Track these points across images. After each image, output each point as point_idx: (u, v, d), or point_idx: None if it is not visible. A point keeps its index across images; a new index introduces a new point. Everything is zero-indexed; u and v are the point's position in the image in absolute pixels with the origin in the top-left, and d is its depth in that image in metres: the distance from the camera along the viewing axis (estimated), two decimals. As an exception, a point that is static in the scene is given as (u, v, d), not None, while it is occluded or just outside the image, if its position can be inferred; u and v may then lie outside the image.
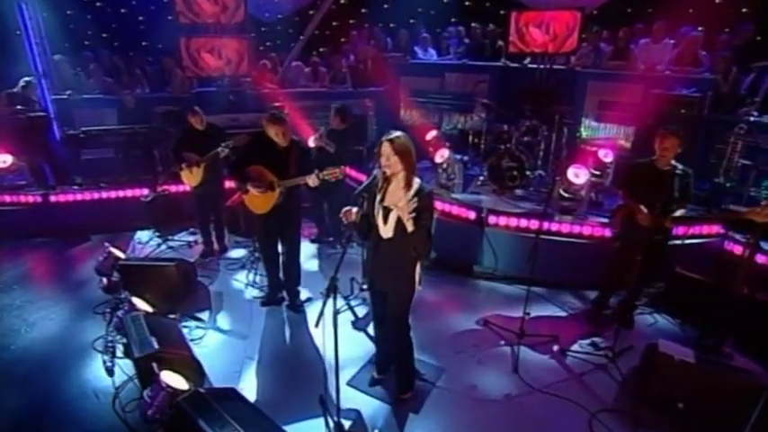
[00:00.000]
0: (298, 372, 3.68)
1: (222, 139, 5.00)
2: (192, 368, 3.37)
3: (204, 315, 4.43)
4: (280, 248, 4.40)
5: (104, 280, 4.77)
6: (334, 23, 9.87)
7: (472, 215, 5.13)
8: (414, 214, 2.69)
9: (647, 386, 3.30)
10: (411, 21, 9.11)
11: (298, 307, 4.53)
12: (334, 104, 5.60)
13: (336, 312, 2.69)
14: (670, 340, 3.48)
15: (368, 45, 8.33)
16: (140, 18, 9.92)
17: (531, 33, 6.98)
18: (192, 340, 4.01)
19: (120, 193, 6.26)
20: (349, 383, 3.53)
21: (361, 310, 4.46)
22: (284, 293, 4.63)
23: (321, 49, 9.34)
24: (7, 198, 6.10)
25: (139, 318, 3.57)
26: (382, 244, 2.94)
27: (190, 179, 5.20)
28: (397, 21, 9.18)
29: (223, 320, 4.39)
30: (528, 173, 5.94)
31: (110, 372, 3.61)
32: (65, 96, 7.06)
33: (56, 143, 6.69)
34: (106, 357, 3.73)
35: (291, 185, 3.93)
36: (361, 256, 3.99)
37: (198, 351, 3.86)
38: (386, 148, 2.78)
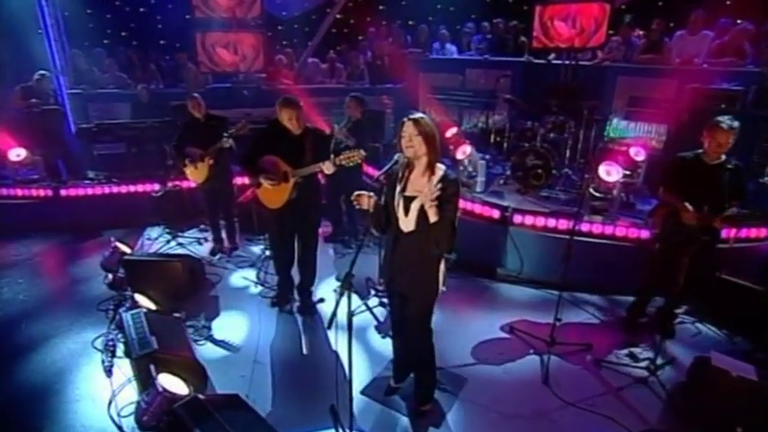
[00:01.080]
0: (307, 378, 3.38)
1: (224, 129, 4.71)
2: (194, 371, 3.09)
3: (211, 314, 4.16)
4: (295, 248, 4.10)
5: (110, 276, 4.55)
6: (351, 21, 9.64)
7: (496, 214, 4.78)
8: (436, 203, 2.38)
9: (697, 405, 2.92)
10: (430, 18, 8.83)
11: (310, 308, 4.22)
12: (350, 94, 5.32)
13: (351, 314, 2.37)
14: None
15: (386, 41, 8.05)
16: (158, 17, 9.84)
17: (556, 27, 6.63)
18: (196, 341, 3.75)
19: (131, 188, 6.07)
20: (363, 392, 3.21)
21: (380, 313, 4.15)
22: (295, 294, 4.34)
23: (338, 48, 9.11)
24: (19, 191, 5.96)
25: (140, 315, 3.30)
26: (402, 238, 2.62)
27: (195, 175, 4.94)
28: (416, 18, 8.91)
29: (230, 321, 4.11)
30: (554, 171, 5.57)
31: (108, 372, 3.34)
32: (79, 91, 6.93)
33: (69, 136, 6.54)
34: (105, 357, 3.47)
35: (306, 174, 3.63)
36: (379, 254, 3.69)
37: (202, 353, 3.60)
38: (408, 127, 2.48)
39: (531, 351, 3.63)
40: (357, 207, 2.61)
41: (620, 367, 3.44)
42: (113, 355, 3.49)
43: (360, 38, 9.25)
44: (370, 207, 2.59)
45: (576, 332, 3.82)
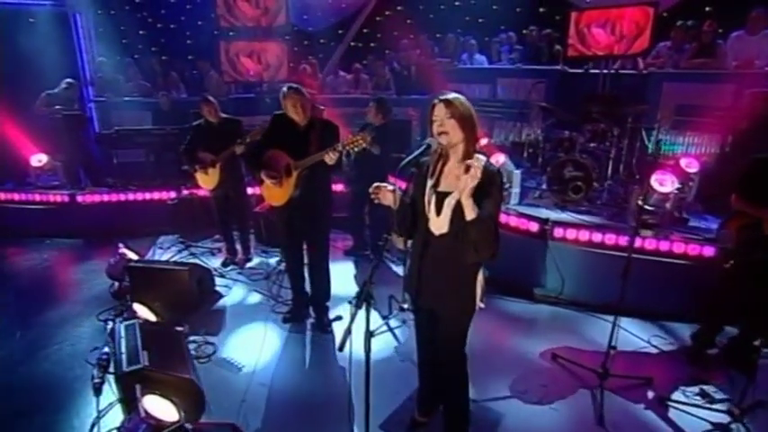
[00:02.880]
0: (318, 408, 2.90)
1: (239, 134, 4.36)
2: (189, 394, 2.64)
3: (216, 329, 3.76)
4: (306, 257, 3.71)
5: (116, 284, 4.22)
6: (378, 35, 9.42)
7: (534, 227, 4.26)
8: (471, 192, 1.92)
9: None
10: (458, 30, 8.52)
11: (325, 326, 3.77)
12: (373, 97, 4.96)
13: (370, 334, 1.91)
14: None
15: (414, 52, 7.74)
16: (188, 32, 9.88)
17: (593, 35, 6.17)
18: (197, 358, 3.32)
19: (147, 196, 5.82)
20: (382, 427, 2.70)
21: (402, 334, 3.65)
22: (311, 310, 3.90)
23: (365, 62, 8.88)
24: (37, 196, 5.80)
25: (134, 327, 2.90)
26: (433, 243, 2.16)
27: (206, 182, 4.62)
28: (444, 31, 8.60)
29: (237, 337, 3.69)
30: (595, 184, 5.02)
31: (97, 390, 2.93)
32: (103, 99, 6.83)
33: (91, 143, 6.39)
34: (96, 372, 3.07)
35: (310, 165, 3.26)
36: (404, 268, 3.23)
37: (202, 373, 3.16)
38: (439, 110, 2.05)
39: (580, 384, 3.06)
40: (376, 202, 2.16)
41: (691, 408, 2.83)
42: (106, 370, 3.07)
43: (387, 51, 9.01)
44: (393, 203, 2.15)
45: (632, 363, 3.23)
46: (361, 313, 1.85)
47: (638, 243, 3.88)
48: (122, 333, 2.83)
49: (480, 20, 8.49)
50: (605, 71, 6.13)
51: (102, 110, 6.85)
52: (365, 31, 9.45)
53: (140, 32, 9.16)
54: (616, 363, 3.00)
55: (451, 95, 2.08)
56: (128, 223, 5.72)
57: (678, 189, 4.21)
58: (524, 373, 3.21)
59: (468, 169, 1.89)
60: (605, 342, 2.95)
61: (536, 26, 7.11)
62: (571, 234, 4.10)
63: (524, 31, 7.36)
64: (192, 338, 3.55)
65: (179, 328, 3.50)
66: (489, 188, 2.03)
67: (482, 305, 2.24)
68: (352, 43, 9.41)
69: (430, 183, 2.17)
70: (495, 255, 2.08)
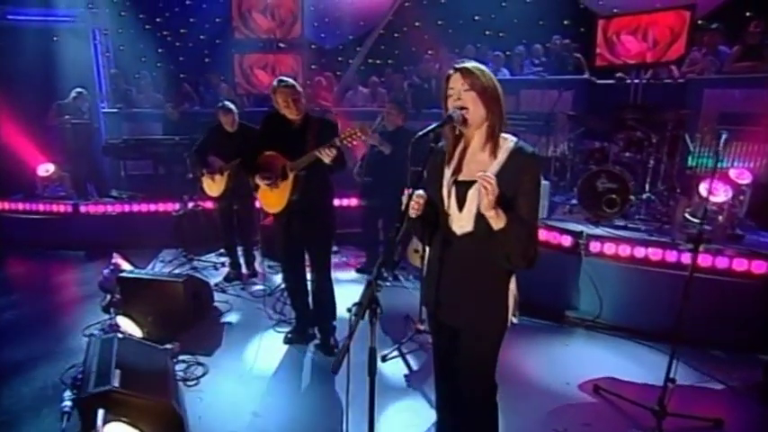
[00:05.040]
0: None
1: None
2: (165, 422, 2.26)
3: (211, 348, 3.39)
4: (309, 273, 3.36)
5: (107, 297, 3.90)
6: (396, 51, 9.26)
7: (566, 241, 3.82)
8: (496, 192, 1.51)
9: None
10: (477, 45, 8.29)
11: (331, 348, 3.35)
12: (390, 100, 4.66)
13: (374, 356, 1.49)
14: None
15: (433, 65, 7.50)
16: (206, 51, 9.94)
17: (623, 42, 5.80)
18: (184, 380, 2.94)
19: (152, 208, 5.58)
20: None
21: (415, 360, 3.22)
22: (315, 329, 3.50)
23: (382, 79, 8.71)
24: (41, 206, 5.63)
25: (112, 342, 2.55)
26: (455, 245, 1.77)
27: (211, 188, 4.38)
28: (462, 46, 8.39)
29: (233, 358, 3.30)
30: (631, 197, 4.56)
31: (65, 415, 2.56)
32: (115, 110, 6.74)
33: (98, 153, 6.24)
34: (69, 394, 2.71)
35: (306, 164, 2.94)
36: (421, 287, 2.83)
37: (188, 397, 2.78)
38: (456, 81, 1.68)
39: (632, 423, 2.55)
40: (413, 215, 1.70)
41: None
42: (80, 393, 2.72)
43: (405, 68, 8.83)
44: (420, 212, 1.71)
45: (693, 400, 2.71)
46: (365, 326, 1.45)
47: (687, 259, 3.41)
48: (97, 349, 2.48)
49: (501, 34, 8.26)
50: (636, 81, 5.75)
51: (114, 121, 6.74)
52: (382, 47, 9.31)
53: (159, 50, 9.26)
54: (673, 399, 2.50)
55: (470, 63, 1.71)
56: (131, 235, 5.46)
57: (732, 198, 3.74)
58: (562, 408, 2.72)
59: (485, 182, 1.49)
60: (655, 373, 2.50)
61: (559, 36, 6.81)
62: (609, 249, 3.64)
63: (548, 45, 7.09)
64: (181, 358, 3.18)
65: (168, 346, 3.15)
66: (522, 178, 1.64)
67: (515, 320, 1.82)
68: (370, 60, 9.28)
69: (449, 171, 1.79)
70: (533, 263, 1.68)
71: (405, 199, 1.66)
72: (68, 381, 2.87)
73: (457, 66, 1.70)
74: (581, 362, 3.23)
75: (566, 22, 7.58)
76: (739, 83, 4.98)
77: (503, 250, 1.64)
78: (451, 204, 1.76)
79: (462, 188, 1.73)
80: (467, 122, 1.68)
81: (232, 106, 4.41)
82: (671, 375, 2.41)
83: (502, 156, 1.70)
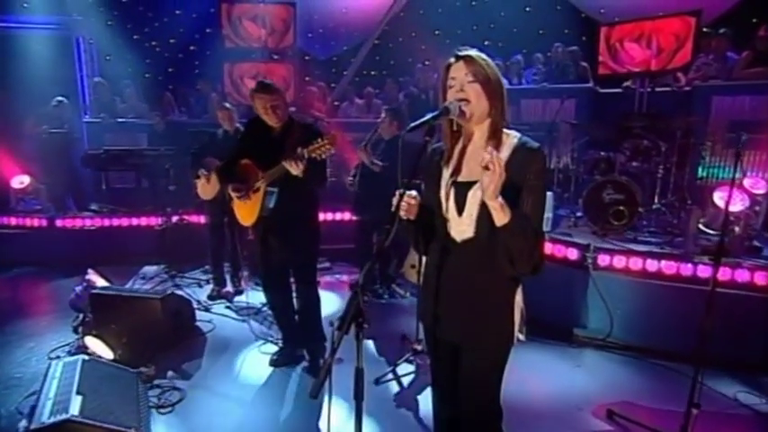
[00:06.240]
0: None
1: None
2: (130, 455, 2.07)
3: (190, 372, 3.20)
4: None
5: (80, 316, 3.72)
6: (392, 62, 9.26)
7: (572, 254, 3.69)
8: (498, 201, 1.41)
9: None
10: (477, 55, 8.28)
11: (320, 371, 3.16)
12: (387, 107, 4.59)
13: (361, 379, 1.34)
14: None
15: (431, 76, 7.46)
16: (196, 62, 9.93)
17: (627, 50, 5.77)
18: (158, 408, 2.74)
19: (133, 222, 5.43)
20: None
21: (416, 386, 3.03)
22: (304, 351, 3.32)
23: (377, 91, 8.68)
24: (13, 220, 5.45)
25: (75, 365, 2.37)
26: (455, 253, 1.63)
27: (205, 190, 4.26)
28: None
29: (213, 382, 3.11)
30: (640, 209, 4.43)
31: (18, 450, 2.36)
32: (98, 120, 6.62)
33: (78, 164, 6.10)
34: (23, 425, 2.51)
35: (276, 176, 2.80)
36: (418, 303, 2.68)
37: (161, 426, 2.58)
38: (458, 70, 1.57)
39: (651, 453, 2.38)
40: (405, 217, 1.58)
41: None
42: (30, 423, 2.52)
43: (401, 79, 8.81)
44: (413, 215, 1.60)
45: (719, 427, 2.54)
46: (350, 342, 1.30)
47: (704, 273, 3.27)
48: (57, 373, 2.30)
49: (500, 44, 8.26)
50: (641, 89, 5.70)
51: (96, 131, 6.62)
52: (378, 58, 9.31)
53: (147, 61, 9.22)
54: (698, 426, 2.32)
55: (473, 51, 1.60)
56: (111, 251, 5.28)
57: (749, 208, 3.62)
58: (574, 435, 2.54)
59: (487, 166, 1.37)
60: (675, 397, 2.33)
61: (561, 43, 6.80)
62: (619, 262, 3.50)
63: (548, 53, 7.07)
64: (156, 382, 2.99)
65: (143, 369, 2.98)
66: (527, 174, 1.53)
67: (522, 337, 1.67)
68: (365, 71, 9.27)
69: (447, 171, 1.67)
70: (539, 269, 1.54)
71: (395, 199, 1.52)
72: (26, 410, 2.68)
73: (459, 53, 1.59)
74: (593, 385, 3.06)
75: (566, 31, 7.58)
76: (749, 89, 4.92)
77: (506, 252, 1.50)
78: (450, 207, 1.63)
79: (462, 189, 1.61)
80: (464, 116, 1.56)
81: (229, 105, 4.46)
82: (695, 400, 2.25)
83: (505, 152, 1.59)
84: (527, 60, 7.22)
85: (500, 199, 1.41)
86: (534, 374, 3.16)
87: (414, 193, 1.56)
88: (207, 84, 7.21)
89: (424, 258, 1.84)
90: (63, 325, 3.83)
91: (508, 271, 1.56)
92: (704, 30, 5.79)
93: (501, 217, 1.45)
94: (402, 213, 1.54)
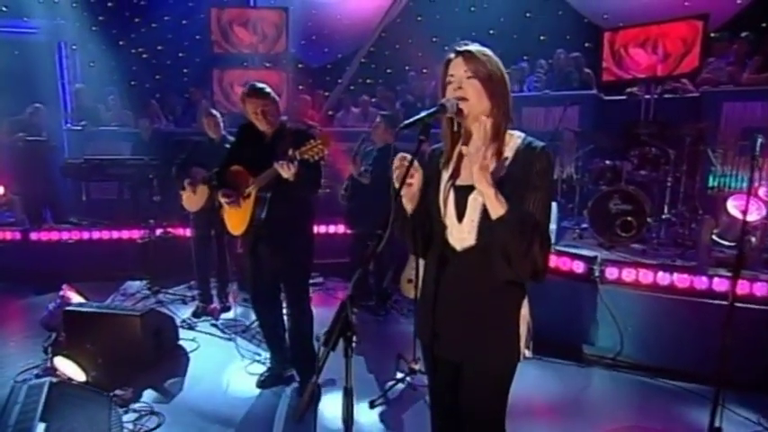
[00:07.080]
0: None
1: None
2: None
3: (170, 394, 3.08)
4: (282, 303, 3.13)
5: (52, 336, 3.59)
6: (388, 70, 9.28)
7: (579, 267, 3.61)
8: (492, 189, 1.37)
9: None
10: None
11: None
12: (381, 113, 4.55)
13: (350, 399, 1.24)
14: None
15: (428, 83, 7.48)
16: (185, 70, 9.93)
17: (632, 55, 5.78)
18: (133, 435, 2.62)
19: (114, 235, 5.33)
20: None
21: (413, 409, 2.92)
22: (294, 371, 3.22)
23: (374, 99, 8.68)
24: (-17, 234, 5.33)
25: (41, 388, 2.25)
26: (454, 262, 1.55)
27: (191, 201, 4.21)
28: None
29: (195, 406, 2.99)
30: (649, 219, 4.37)
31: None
32: (79, 127, 6.55)
33: (57, 175, 6.02)
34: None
35: (267, 182, 2.75)
36: (415, 321, 2.58)
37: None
38: (456, 66, 1.50)
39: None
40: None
41: None
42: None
43: (398, 87, 8.83)
44: (414, 187, 1.52)
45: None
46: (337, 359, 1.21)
47: (720, 286, 3.19)
48: (20, 397, 2.18)
49: (499, 51, 8.29)
50: (647, 96, 5.69)
51: (77, 140, 6.55)
52: (373, 66, 9.33)
53: (133, 68, 9.21)
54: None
55: (473, 47, 1.54)
56: (89, 266, 5.15)
57: (765, 218, 3.56)
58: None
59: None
60: (693, 421, 2.24)
61: (563, 49, 6.81)
62: (629, 275, 3.43)
63: (550, 60, 7.10)
64: (133, 406, 2.87)
65: (118, 392, 2.86)
66: (530, 173, 1.46)
67: (528, 353, 1.58)
68: (360, 79, 9.29)
69: (446, 174, 1.60)
70: (541, 273, 1.44)
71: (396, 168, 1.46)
72: (-10, 437, 2.56)
73: (459, 48, 1.53)
74: (604, 407, 2.97)
75: (568, 37, 7.63)
76: (761, 95, 4.91)
77: (503, 249, 1.42)
78: (449, 213, 1.56)
79: (462, 193, 1.53)
80: (462, 114, 1.50)
81: (215, 111, 4.42)
82: (716, 424, 2.15)
83: (509, 154, 1.53)
84: (531, 67, 7.24)
85: (494, 189, 1.37)
86: (541, 395, 3.06)
87: (417, 164, 1.47)
88: (198, 91, 7.16)
89: (421, 272, 1.76)
90: (33, 345, 3.70)
91: (506, 273, 1.47)
92: (713, 35, 5.84)
93: (496, 206, 1.38)
94: (403, 192, 1.47)
